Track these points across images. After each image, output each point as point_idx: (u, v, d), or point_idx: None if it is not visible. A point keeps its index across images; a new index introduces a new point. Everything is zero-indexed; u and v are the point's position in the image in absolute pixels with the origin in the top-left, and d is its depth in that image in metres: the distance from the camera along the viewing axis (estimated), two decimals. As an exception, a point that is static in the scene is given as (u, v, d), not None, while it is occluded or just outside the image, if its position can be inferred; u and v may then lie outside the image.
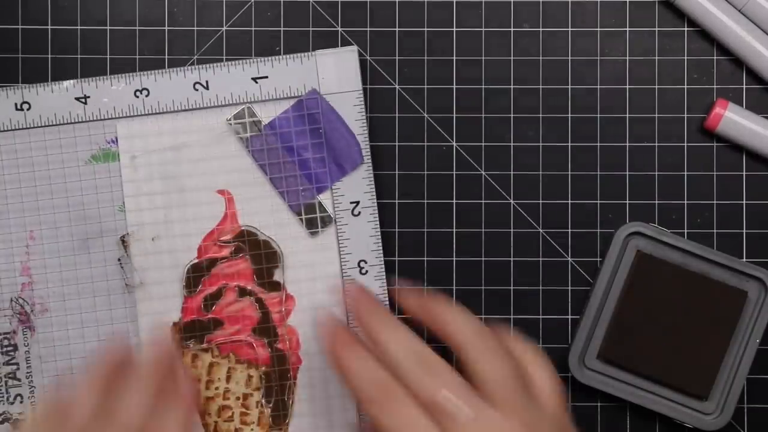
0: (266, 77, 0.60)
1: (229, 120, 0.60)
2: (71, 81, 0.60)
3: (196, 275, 0.60)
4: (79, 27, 0.62)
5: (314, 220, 0.61)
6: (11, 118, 0.60)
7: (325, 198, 0.61)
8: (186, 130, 0.60)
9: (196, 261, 0.60)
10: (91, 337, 0.60)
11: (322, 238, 0.60)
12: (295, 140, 0.60)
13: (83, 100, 0.60)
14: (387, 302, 0.60)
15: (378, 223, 0.60)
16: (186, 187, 0.60)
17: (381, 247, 0.60)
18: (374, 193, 0.60)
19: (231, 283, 0.60)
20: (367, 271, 0.60)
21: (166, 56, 0.61)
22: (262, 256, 0.60)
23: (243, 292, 0.60)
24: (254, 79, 0.60)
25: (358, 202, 0.60)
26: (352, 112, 0.60)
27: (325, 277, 0.60)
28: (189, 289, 0.60)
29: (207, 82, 0.60)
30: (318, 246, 0.60)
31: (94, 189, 0.60)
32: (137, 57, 0.61)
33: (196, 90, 0.60)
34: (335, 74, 0.60)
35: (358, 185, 0.60)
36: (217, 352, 0.60)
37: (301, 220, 0.61)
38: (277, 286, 0.60)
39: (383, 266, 0.60)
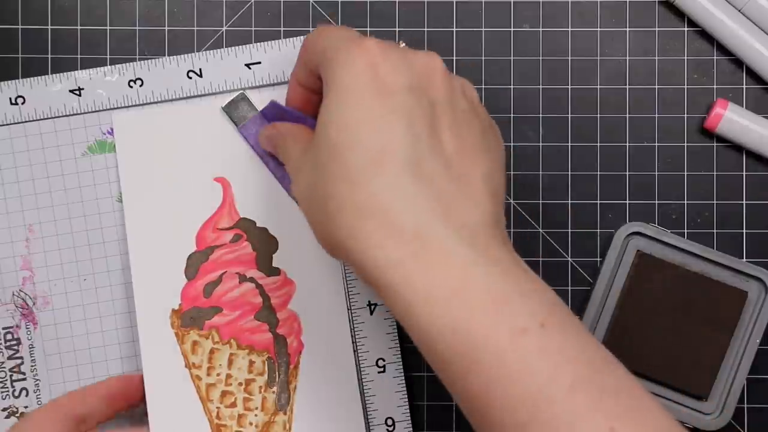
0: (259, 63, 0.61)
1: (224, 107, 0.60)
2: (65, 73, 0.60)
3: (195, 262, 0.60)
4: (79, 27, 0.62)
5: None
6: (6, 112, 0.60)
7: None
8: (181, 118, 0.60)
9: (196, 248, 0.60)
10: (94, 329, 0.60)
11: None
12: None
13: (77, 92, 0.60)
14: None
15: None
16: (183, 175, 0.60)
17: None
18: None
19: (231, 269, 0.60)
20: None
21: (166, 56, 0.61)
22: (261, 242, 0.60)
23: (243, 279, 0.60)
24: (248, 65, 0.61)
25: None
26: None
27: (324, 261, 0.60)
28: (189, 276, 0.60)
29: (201, 69, 0.61)
30: None
31: (91, 180, 0.60)
32: (137, 57, 0.61)
33: (190, 78, 0.60)
34: None
35: None
36: (217, 338, 0.60)
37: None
38: (276, 272, 0.60)
39: None
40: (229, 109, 0.60)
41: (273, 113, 0.58)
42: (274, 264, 0.60)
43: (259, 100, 0.60)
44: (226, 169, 0.60)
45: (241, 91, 0.60)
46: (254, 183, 0.60)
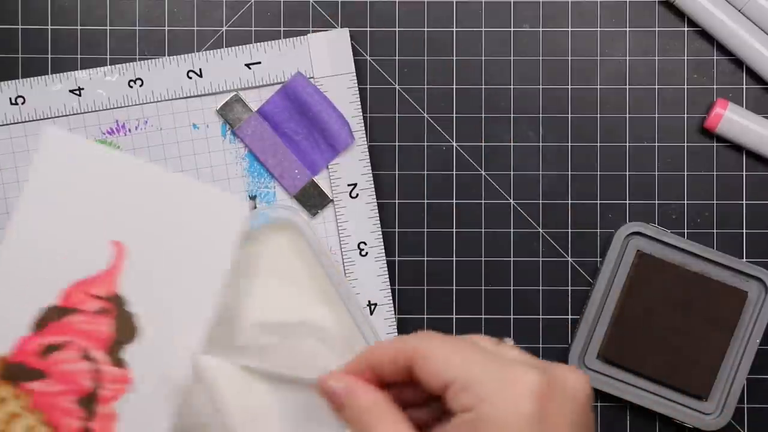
0: (259, 63, 0.61)
1: (219, 109, 0.60)
2: (65, 73, 0.60)
3: (49, 316, 0.51)
4: (79, 27, 0.62)
5: (312, 202, 0.60)
6: (6, 112, 0.60)
7: (322, 180, 0.60)
8: (114, 165, 0.52)
9: (57, 302, 0.51)
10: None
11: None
12: (285, 124, 0.60)
13: (77, 92, 0.60)
14: (387, 280, 0.60)
15: (376, 204, 0.60)
16: (83, 221, 0.51)
17: (380, 228, 0.60)
18: (371, 175, 0.61)
19: (78, 340, 0.52)
20: (367, 253, 0.60)
21: (166, 56, 0.61)
22: (123, 327, 0.52)
23: (86, 355, 0.52)
24: (248, 65, 0.61)
25: (355, 184, 0.60)
26: (347, 95, 0.60)
27: (173, 365, 0.52)
28: (34, 327, 0.51)
29: (201, 69, 0.61)
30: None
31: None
32: (137, 57, 0.61)
33: (190, 78, 0.61)
34: (328, 57, 0.60)
35: (354, 167, 0.61)
36: (25, 403, 0.51)
37: (299, 202, 0.60)
38: (121, 363, 0.52)
39: (383, 248, 0.60)
40: (224, 111, 0.60)
41: (277, 104, 0.58)
42: (123, 355, 0.52)
43: (261, 99, 0.60)
44: (129, 236, 0.51)
45: (235, 93, 0.60)
46: (150, 262, 0.52)
